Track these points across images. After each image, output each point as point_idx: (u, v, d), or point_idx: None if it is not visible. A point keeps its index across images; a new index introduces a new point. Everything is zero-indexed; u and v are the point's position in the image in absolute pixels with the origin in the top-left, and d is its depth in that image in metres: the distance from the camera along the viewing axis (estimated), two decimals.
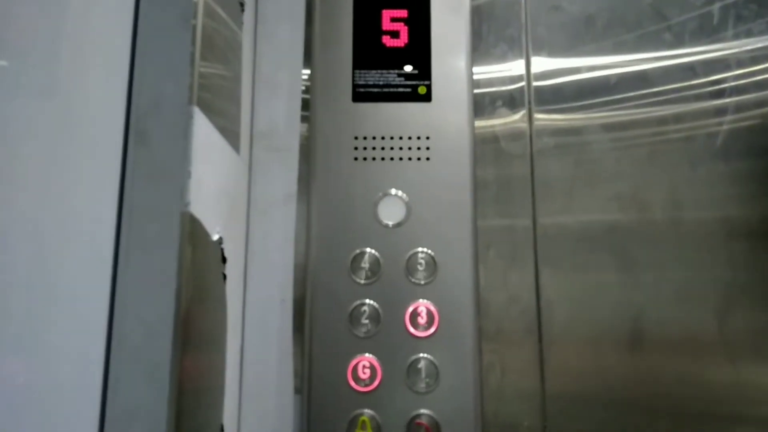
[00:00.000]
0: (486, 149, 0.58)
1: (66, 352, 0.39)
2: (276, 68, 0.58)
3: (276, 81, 0.58)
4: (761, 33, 0.60)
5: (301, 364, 0.50)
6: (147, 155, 0.41)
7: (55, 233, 0.40)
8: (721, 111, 0.59)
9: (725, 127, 0.58)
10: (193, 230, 0.41)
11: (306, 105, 0.57)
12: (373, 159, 0.52)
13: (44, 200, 0.40)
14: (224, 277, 0.47)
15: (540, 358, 0.54)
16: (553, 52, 0.60)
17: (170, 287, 0.40)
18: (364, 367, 0.48)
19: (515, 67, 0.60)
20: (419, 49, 0.54)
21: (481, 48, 0.60)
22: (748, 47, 0.60)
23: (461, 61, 0.54)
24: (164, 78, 0.43)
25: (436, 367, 0.48)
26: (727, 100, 0.59)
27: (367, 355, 0.48)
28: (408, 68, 0.53)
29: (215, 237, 0.45)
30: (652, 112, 0.59)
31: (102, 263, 0.41)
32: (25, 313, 0.39)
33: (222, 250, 0.47)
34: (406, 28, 0.54)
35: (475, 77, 0.57)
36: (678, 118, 0.59)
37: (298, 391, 0.52)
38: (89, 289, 0.40)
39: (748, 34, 0.60)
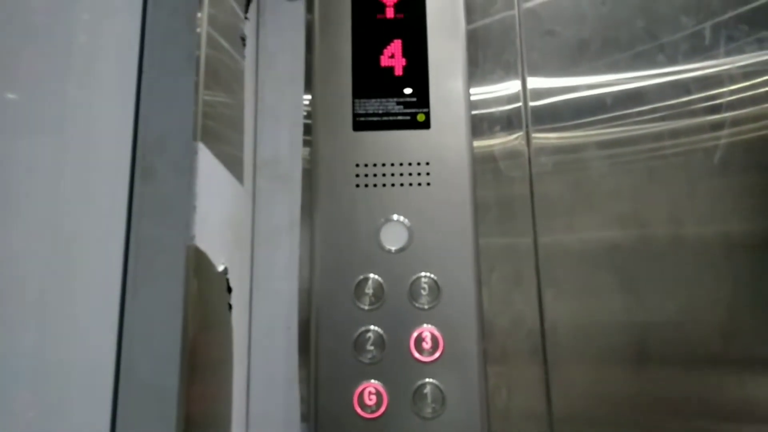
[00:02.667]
0: (485, 169, 0.59)
1: (74, 384, 0.39)
2: (278, 99, 0.59)
3: (278, 111, 0.59)
4: (753, 50, 0.61)
5: (307, 392, 0.50)
6: (153, 190, 0.42)
7: (64, 267, 0.41)
8: (717, 126, 0.59)
9: (723, 141, 0.59)
10: (198, 263, 0.42)
11: (308, 134, 0.58)
12: (375, 185, 0.53)
13: (53, 235, 0.41)
14: (230, 306, 0.48)
15: (546, 380, 0.54)
16: (549, 74, 0.61)
17: (177, 319, 0.40)
18: (370, 393, 0.48)
19: (512, 90, 0.61)
20: (417, 78, 0.55)
21: (477, 74, 0.61)
22: (741, 63, 0.61)
23: (458, 87, 0.55)
24: (169, 114, 0.44)
25: (441, 391, 0.48)
26: (724, 115, 0.60)
27: (372, 381, 0.49)
28: (406, 97, 0.54)
29: (220, 268, 0.46)
30: (651, 129, 0.60)
31: (110, 296, 0.41)
32: (34, 345, 0.39)
33: (227, 280, 0.47)
34: (403, 57, 0.55)
35: (473, 100, 0.58)
36: (675, 134, 0.59)
37: (304, 418, 0.52)
38: (97, 321, 0.41)
39: (740, 51, 0.61)
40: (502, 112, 0.60)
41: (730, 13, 0.62)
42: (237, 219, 0.52)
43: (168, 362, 0.40)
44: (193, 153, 0.42)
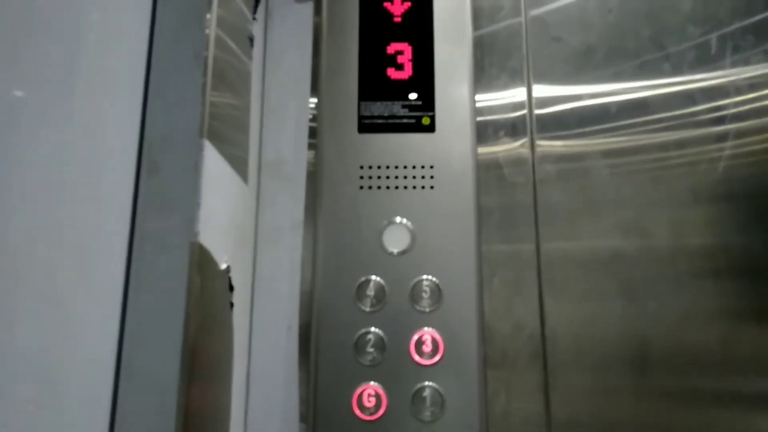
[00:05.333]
0: (489, 175, 0.59)
1: (73, 380, 0.39)
2: (284, 99, 0.60)
3: (284, 112, 0.59)
4: (759, 62, 0.61)
5: (307, 392, 0.50)
6: (158, 186, 0.43)
7: (67, 262, 0.41)
8: (721, 137, 0.59)
9: (727, 152, 0.59)
10: (202, 260, 0.42)
11: (313, 135, 0.58)
12: (379, 188, 0.53)
13: (57, 229, 0.41)
14: (231, 305, 0.48)
15: (545, 386, 0.54)
16: (554, 81, 0.61)
17: (179, 317, 0.40)
18: (369, 395, 0.48)
19: (517, 96, 0.61)
20: (423, 81, 0.55)
21: (483, 79, 0.61)
22: (747, 75, 0.61)
23: (464, 92, 0.55)
24: (176, 111, 0.44)
25: (441, 395, 0.48)
26: (728, 126, 0.60)
27: (372, 383, 0.48)
28: (412, 100, 0.55)
29: (223, 266, 0.46)
30: (654, 139, 0.60)
31: (112, 292, 0.41)
32: (33, 340, 0.39)
33: (230, 278, 0.47)
34: (410, 60, 0.55)
35: (478, 106, 0.58)
36: (679, 145, 0.59)
37: (303, 419, 0.52)
38: (99, 316, 0.41)
39: (746, 62, 0.61)
40: (507, 119, 0.61)
41: (737, 24, 0.62)
42: (241, 218, 0.52)
43: (169, 359, 0.40)
44: (199, 150, 0.42)
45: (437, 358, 0.49)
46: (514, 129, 0.60)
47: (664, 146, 0.59)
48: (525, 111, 0.61)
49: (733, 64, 0.61)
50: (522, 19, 0.63)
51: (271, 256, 0.56)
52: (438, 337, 0.49)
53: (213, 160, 0.44)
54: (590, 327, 0.56)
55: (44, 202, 0.41)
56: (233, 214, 0.49)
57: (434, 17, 0.56)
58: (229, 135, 0.50)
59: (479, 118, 0.59)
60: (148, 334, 0.41)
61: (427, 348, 0.49)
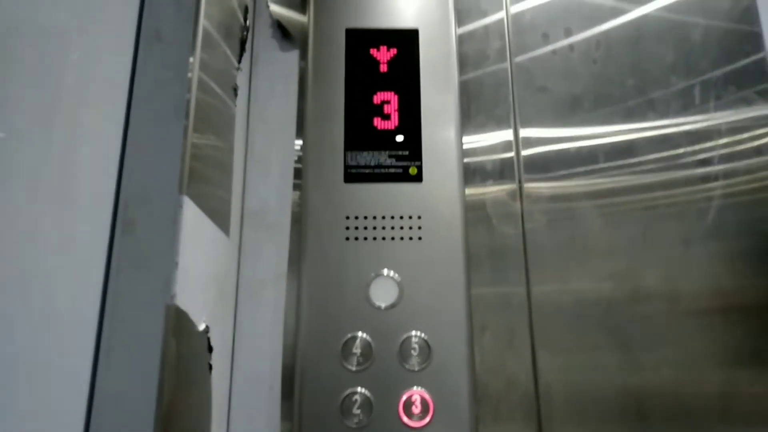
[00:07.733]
0: (477, 217, 0.58)
1: None
2: (268, 147, 0.58)
3: (268, 160, 0.58)
4: (741, 108, 0.62)
5: None
6: (134, 244, 0.41)
7: (38, 323, 0.39)
8: (707, 179, 0.59)
9: (714, 193, 0.59)
10: (178, 322, 0.39)
11: (298, 185, 0.57)
12: (365, 239, 0.51)
13: (28, 287, 0.39)
14: (210, 367, 0.45)
15: None
16: (540, 126, 0.61)
17: (152, 382, 0.38)
18: None
19: (504, 145, 0.61)
20: (410, 131, 0.54)
21: (470, 127, 0.61)
22: (731, 119, 0.61)
23: (451, 141, 0.54)
24: (155, 164, 0.43)
25: None
26: (714, 168, 0.60)
27: None
28: (399, 150, 0.54)
29: (202, 326, 0.44)
30: (641, 180, 0.59)
31: (83, 355, 0.39)
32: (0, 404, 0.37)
33: (208, 339, 0.45)
34: (396, 109, 0.55)
35: (466, 149, 0.57)
36: (666, 186, 0.59)
37: None
38: (68, 382, 0.38)
39: (729, 107, 0.62)
40: (494, 161, 0.60)
41: (718, 72, 0.63)
42: (221, 273, 0.50)
43: (142, 429, 0.38)
44: (178, 206, 0.40)
45: (427, 419, 0.47)
46: (501, 173, 0.60)
47: (650, 187, 0.59)
48: (512, 154, 0.60)
49: (717, 109, 0.62)
50: (507, 65, 0.63)
51: (253, 310, 0.54)
52: (428, 397, 0.47)
53: (192, 216, 0.42)
54: (585, 382, 0.54)
55: (14, 256, 0.39)
56: (213, 269, 0.47)
57: (420, 64, 0.56)
58: (211, 182, 0.48)
59: (466, 160, 0.58)
60: (119, 402, 0.38)
61: (417, 409, 0.47)
